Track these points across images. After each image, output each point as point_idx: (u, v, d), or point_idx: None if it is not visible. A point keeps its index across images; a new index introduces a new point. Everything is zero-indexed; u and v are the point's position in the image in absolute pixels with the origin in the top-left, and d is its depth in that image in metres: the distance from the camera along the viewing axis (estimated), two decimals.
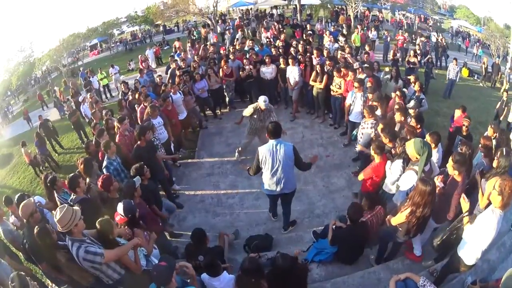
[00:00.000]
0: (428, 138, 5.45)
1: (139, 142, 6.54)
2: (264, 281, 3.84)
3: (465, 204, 4.03)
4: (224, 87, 11.17)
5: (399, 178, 5.08)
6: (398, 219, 4.37)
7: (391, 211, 5.02)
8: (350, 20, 24.99)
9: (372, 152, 5.64)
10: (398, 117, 6.69)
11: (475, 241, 3.75)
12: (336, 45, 13.01)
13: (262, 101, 7.58)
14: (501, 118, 11.46)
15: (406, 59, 13.28)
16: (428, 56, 14.69)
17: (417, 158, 4.71)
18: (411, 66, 12.58)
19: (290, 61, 9.86)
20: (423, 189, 4.01)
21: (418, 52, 15.15)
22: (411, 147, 4.70)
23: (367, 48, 12.22)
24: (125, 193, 4.95)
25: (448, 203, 4.60)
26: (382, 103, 7.46)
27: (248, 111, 7.93)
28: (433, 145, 5.34)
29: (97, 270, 3.66)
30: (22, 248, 5.06)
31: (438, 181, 4.53)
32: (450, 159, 4.30)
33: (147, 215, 5.07)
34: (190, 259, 4.75)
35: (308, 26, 17.11)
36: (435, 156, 5.40)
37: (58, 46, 31.81)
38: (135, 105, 9.24)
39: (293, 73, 9.93)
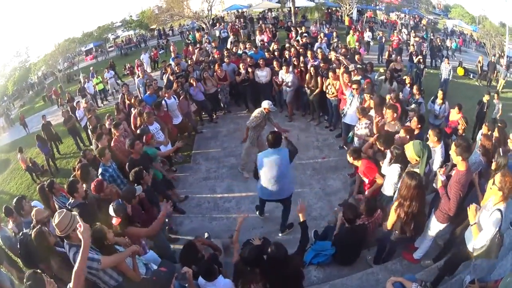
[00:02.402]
0: (430, 133, 5.51)
1: (132, 155, 6.51)
2: (258, 270, 3.88)
3: (472, 214, 4.02)
4: (219, 91, 11.21)
5: (398, 181, 5.08)
6: (390, 218, 4.41)
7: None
8: (352, 22, 25.15)
9: (350, 160, 5.94)
10: (389, 114, 6.57)
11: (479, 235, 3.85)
12: (324, 44, 13.29)
13: (267, 105, 7.53)
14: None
15: (392, 66, 12.16)
16: (419, 57, 14.62)
17: (416, 160, 4.71)
18: (398, 73, 12.26)
19: (284, 68, 9.92)
20: (408, 183, 4.08)
21: (414, 52, 15.18)
22: (410, 149, 4.68)
23: (356, 46, 12.28)
24: (123, 198, 4.94)
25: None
26: (381, 106, 7.47)
27: (255, 115, 7.71)
28: (435, 139, 5.42)
29: (94, 276, 3.64)
30: (19, 253, 5.07)
31: (440, 174, 4.53)
32: (453, 144, 4.27)
33: (143, 218, 5.06)
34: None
35: (303, 28, 17.13)
36: (439, 151, 5.44)
37: (53, 51, 31.89)
38: (132, 108, 9.26)
39: (287, 79, 9.98)
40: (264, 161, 5.54)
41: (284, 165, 5.53)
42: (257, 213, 6.93)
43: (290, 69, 10.11)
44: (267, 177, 5.62)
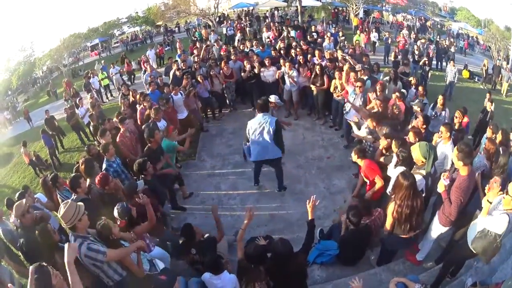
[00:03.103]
0: (443, 129, 5.56)
1: (150, 144, 6.49)
2: (263, 267, 3.90)
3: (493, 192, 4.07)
4: (224, 88, 11.20)
5: None
6: (388, 220, 4.46)
7: None
8: (361, 22, 25.10)
9: (355, 158, 6.00)
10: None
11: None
12: (331, 44, 13.42)
13: (274, 99, 7.85)
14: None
15: (399, 69, 11.84)
16: (424, 59, 14.55)
17: (422, 162, 4.70)
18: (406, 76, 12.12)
19: (287, 64, 9.93)
20: (401, 182, 4.13)
21: (417, 53, 15.11)
22: (417, 151, 4.68)
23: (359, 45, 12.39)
24: (125, 193, 4.94)
25: None
26: (385, 107, 7.45)
27: None
28: (448, 135, 5.49)
29: (98, 268, 3.64)
30: (20, 248, 5.07)
31: (443, 178, 4.53)
32: (455, 149, 4.24)
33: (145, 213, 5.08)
34: (186, 254, 5.00)
35: (312, 27, 17.15)
36: (450, 147, 5.45)
37: (58, 46, 31.95)
38: (137, 105, 9.21)
39: (292, 75, 9.99)
40: (254, 124, 6.33)
41: (272, 126, 6.17)
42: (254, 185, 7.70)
43: (296, 66, 10.12)
44: (256, 138, 6.37)
